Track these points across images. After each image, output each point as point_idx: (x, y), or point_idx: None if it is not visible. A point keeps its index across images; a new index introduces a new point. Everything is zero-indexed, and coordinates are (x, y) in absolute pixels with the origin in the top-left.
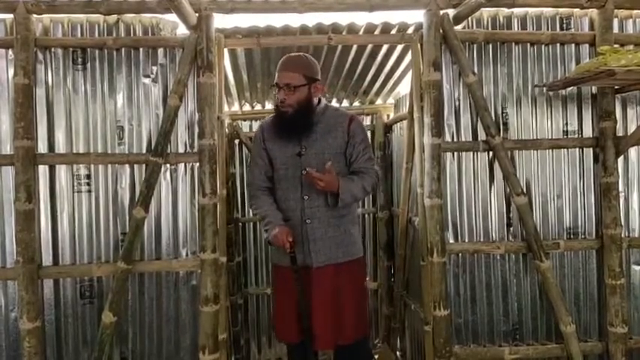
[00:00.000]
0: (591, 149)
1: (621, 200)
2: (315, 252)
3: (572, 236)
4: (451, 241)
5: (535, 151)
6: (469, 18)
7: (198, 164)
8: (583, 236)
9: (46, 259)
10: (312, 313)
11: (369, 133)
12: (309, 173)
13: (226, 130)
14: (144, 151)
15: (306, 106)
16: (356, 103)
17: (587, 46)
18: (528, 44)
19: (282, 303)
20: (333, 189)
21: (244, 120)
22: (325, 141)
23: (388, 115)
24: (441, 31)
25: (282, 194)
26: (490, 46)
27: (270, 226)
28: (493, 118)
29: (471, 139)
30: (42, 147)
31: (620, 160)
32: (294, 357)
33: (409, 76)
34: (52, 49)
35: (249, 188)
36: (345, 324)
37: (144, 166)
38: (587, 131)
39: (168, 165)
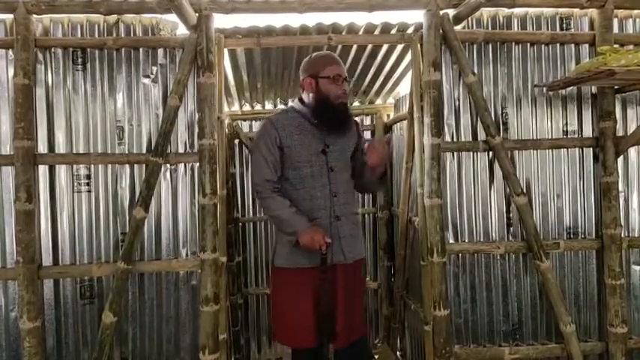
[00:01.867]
0: (591, 149)
1: (621, 200)
2: (347, 248)
3: (572, 236)
4: (451, 241)
5: (535, 151)
6: (469, 18)
7: (198, 164)
8: (583, 236)
9: (46, 259)
10: (337, 310)
11: (368, 133)
12: (382, 140)
13: (226, 130)
14: (144, 151)
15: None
16: (356, 103)
17: (587, 46)
18: (528, 44)
19: (299, 307)
20: (382, 165)
21: (244, 120)
22: (344, 140)
23: (388, 115)
24: (440, 31)
25: (305, 193)
26: (490, 46)
27: (299, 228)
28: (493, 118)
29: (470, 139)
30: (42, 147)
31: (620, 160)
32: None
33: (409, 76)
34: (52, 49)
35: (258, 188)
36: (355, 321)
37: (144, 166)
38: (587, 131)
39: (168, 165)
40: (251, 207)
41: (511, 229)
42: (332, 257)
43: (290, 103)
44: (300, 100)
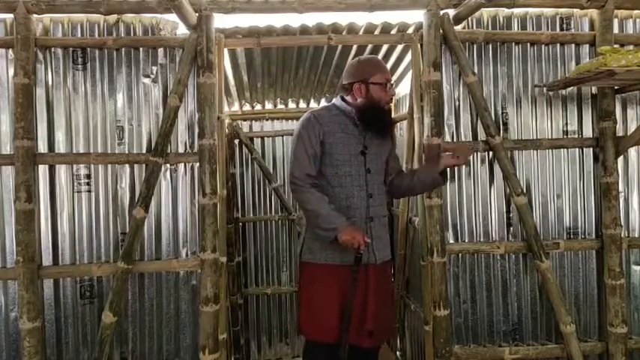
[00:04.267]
0: (591, 149)
1: (621, 200)
2: (378, 250)
3: (572, 236)
4: (451, 241)
5: (535, 151)
6: (469, 18)
7: (198, 164)
8: (583, 236)
9: (46, 259)
10: (368, 310)
11: None
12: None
13: (226, 130)
14: (144, 151)
15: None
16: None
17: (587, 46)
18: (528, 44)
19: (326, 303)
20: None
21: (244, 120)
22: (381, 143)
23: None
24: (441, 31)
25: (341, 191)
26: (490, 46)
27: (338, 225)
28: (493, 118)
29: (471, 139)
30: (42, 147)
31: (620, 160)
32: (322, 356)
33: (409, 76)
34: (52, 49)
35: (298, 182)
36: (385, 322)
37: (144, 166)
38: (587, 131)
39: (168, 165)
40: (251, 207)
41: (511, 229)
42: (367, 257)
43: (333, 101)
44: (343, 99)
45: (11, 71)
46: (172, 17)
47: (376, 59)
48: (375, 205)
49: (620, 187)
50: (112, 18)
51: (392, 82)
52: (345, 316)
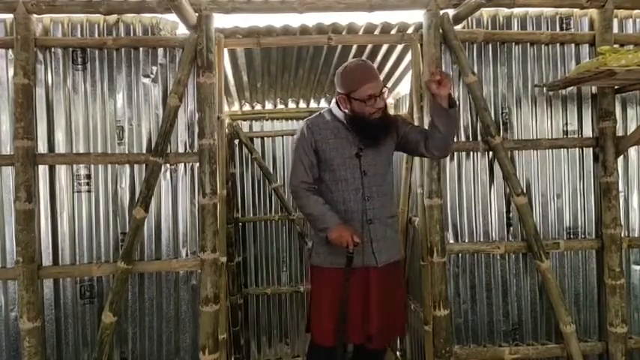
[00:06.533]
0: (591, 149)
1: (621, 200)
2: (379, 251)
3: (572, 236)
4: (451, 241)
5: (535, 151)
6: (469, 18)
7: (198, 164)
8: (583, 236)
9: (46, 259)
10: (371, 314)
11: None
12: (442, 73)
13: (226, 130)
14: (144, 151)
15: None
16: None
17: (587, 46)
18: (528, 44)
19: (328, 305)
20: (446, 95)
21: (244, 120)
22: (380, 143)
23: None
24: (440, 31)
25: (339, 195)
26: (490, 46)
27: (331, 224)
28: (493, 118)
29: (471, 139)
30: (42, 147)
31: (620, 160)
32: (322, 358)
33: (409, 76)
34: (52, 49)
35: (295, 189)
36: (394, 322)
37: (144, 166)
38: (587, 131)
39: (168, 165)
40: (251, 207)
41: (511, 229)
42: (363, 260)
43: (330, 104)
44: (337, 102)
45: (11, 71)
46: (172, 17)
47: (362, 69)
48: (375, 207)
49: (620, 187)
50: (112, 18)
51: (383, 90)
52: (340, 317)
